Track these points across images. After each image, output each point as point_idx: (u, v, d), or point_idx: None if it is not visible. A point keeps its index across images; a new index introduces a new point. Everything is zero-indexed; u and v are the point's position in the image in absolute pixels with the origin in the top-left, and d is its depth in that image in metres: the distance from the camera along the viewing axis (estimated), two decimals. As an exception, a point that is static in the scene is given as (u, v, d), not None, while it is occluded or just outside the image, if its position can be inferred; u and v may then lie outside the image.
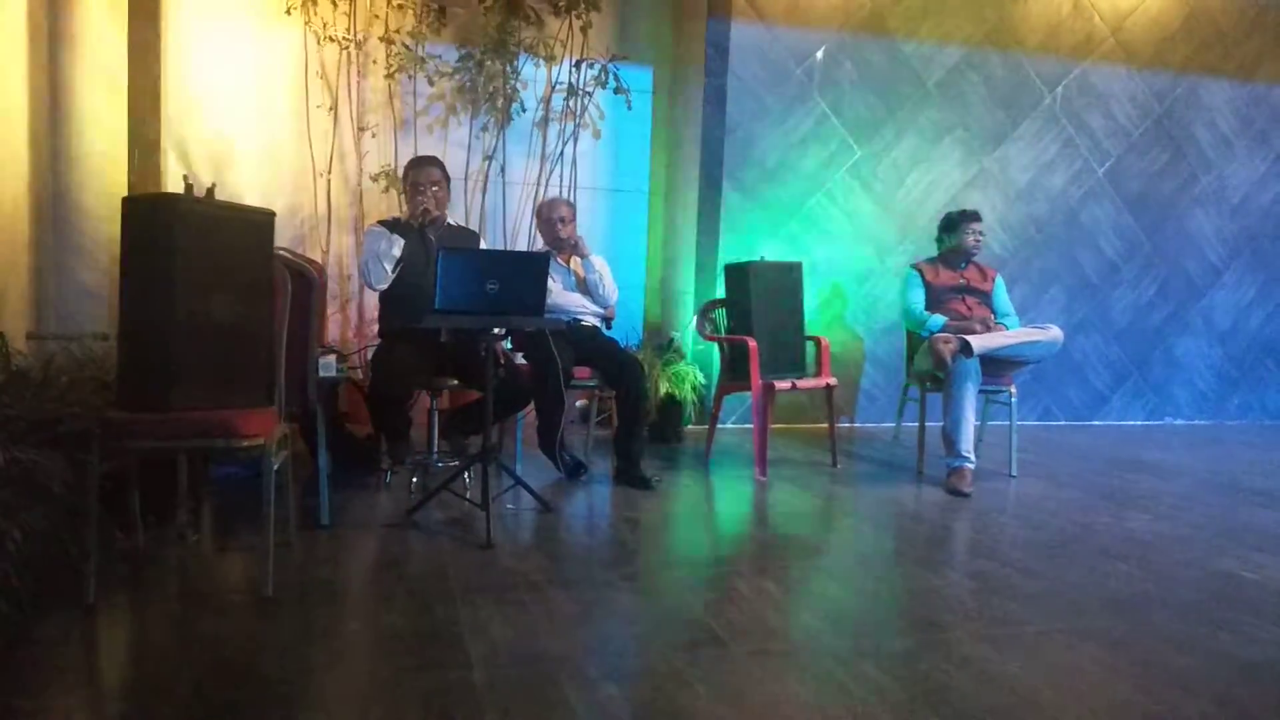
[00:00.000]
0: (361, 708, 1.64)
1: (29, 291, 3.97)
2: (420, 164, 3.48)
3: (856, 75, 5.14)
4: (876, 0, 5.12)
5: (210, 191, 2.28)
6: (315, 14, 4.31)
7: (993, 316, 3.99)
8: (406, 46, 4.46)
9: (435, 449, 3.59)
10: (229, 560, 2.51)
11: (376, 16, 4.42)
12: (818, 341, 4.21)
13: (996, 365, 3.80)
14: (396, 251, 3.30)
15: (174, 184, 4.21)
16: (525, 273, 2.88)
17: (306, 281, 2.66)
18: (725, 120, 4.90)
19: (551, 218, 3.79)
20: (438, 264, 2.75)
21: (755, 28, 4.93)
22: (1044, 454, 4.62)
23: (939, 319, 3.90)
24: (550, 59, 4.72)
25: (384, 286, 3.34)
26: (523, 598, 2.24)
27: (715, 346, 4.41)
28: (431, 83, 4.56)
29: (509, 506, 3.14)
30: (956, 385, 3.65)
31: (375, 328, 3.82)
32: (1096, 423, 5.88)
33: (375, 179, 4.52)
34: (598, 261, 3.81)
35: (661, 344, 4.95)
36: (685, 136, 5.05)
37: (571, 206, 3.90)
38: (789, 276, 4.18)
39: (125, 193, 4.02)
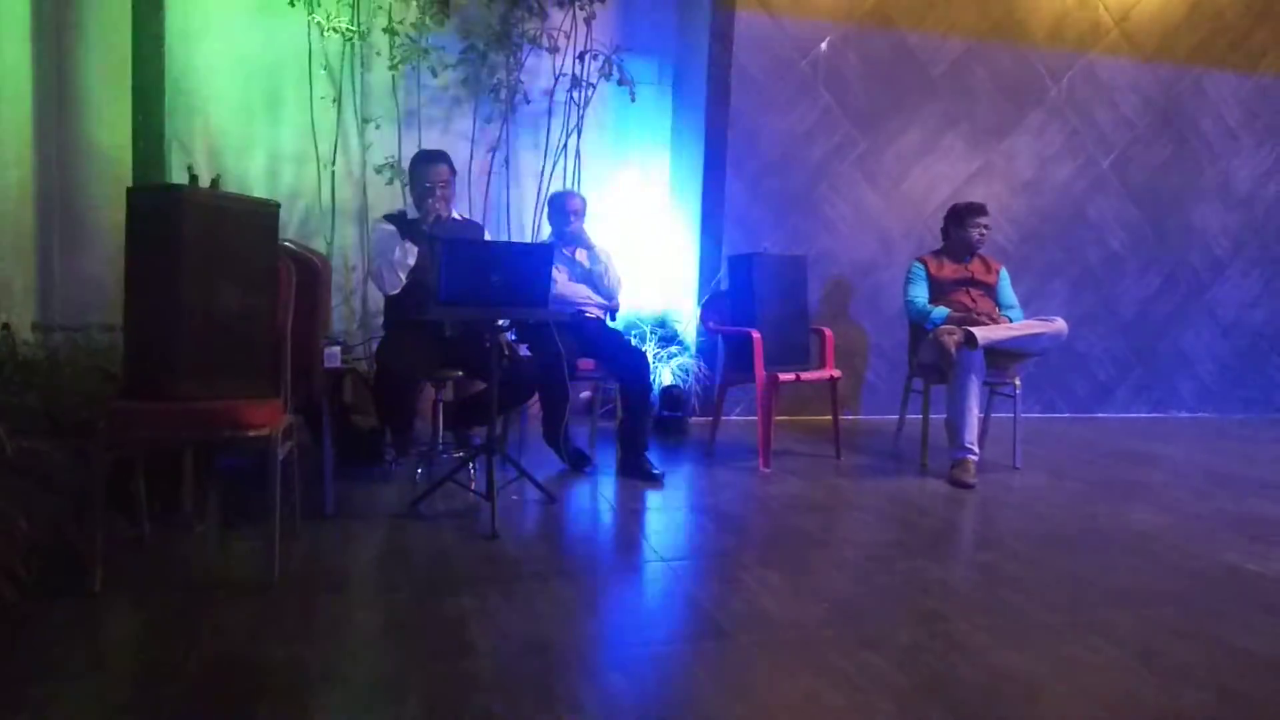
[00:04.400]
0: (366, 698, 1.65)
1: (35, 282, 3.99)
2: (428, 160, 3.43)
3: (861, 67, 5.12)
4: (881, -9, 5.11)
5: (215, 182, 2.29)
6: (319, 5, 4.30)
7: (997, 309, 3.99)
8: (410, 38, 4.45)
9: (440, 440, 3.60)
10: (234, 550, 2.52)
11: (380, 8, 4.41)
12: (822, 334, 4.21)
13: (1000, 357, 3.80)
14: (411, 260, 3.29)
15: (179, 175, 4.22)
16: (529, 264, 2.87)
17: (311, 272, 2.67)
18: (729, 112, 4.89)
19: (566, 209, 3.78)
20: (441, 255, 2.74)
21: (759, 19, 4.92)
22: (1047, 446, 4.62)
23: (942, 311, 3.89)
24: (554, 51, 4.70)
25: (396, 292, 3.34)
26: (527, 588, 2.25)
27: (719, 338, 4.41)
28: (435, 74, 4.56)
29: (514, 497, 3.14)
30: (960, 377, 3.65)
31: (380, 319, 3.82)
32: (1100, 415, 5.88)
33: (379, 170, 4.52)
34: (603, 253, 3.81)
35: (666, 336, 4.95)
36: (689, 128, 5.04)
37: (584, 200, 3.89)
38: (793, 268, 4.18)
39: (130, 184, 4.02)
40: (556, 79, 4.78)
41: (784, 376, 3.81)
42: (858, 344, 5.31)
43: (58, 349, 2.88)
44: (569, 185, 4.79)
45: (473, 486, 3.18)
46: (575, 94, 4.79)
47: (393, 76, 4.50)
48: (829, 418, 4.16)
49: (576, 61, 4.74)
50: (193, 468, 2.76)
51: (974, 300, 3.97)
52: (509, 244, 4.21)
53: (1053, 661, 1.91)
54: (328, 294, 3.26)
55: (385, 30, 4.41)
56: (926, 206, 5.27)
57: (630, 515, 3.06)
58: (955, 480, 3.61)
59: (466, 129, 4.71)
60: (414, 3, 4.41)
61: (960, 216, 4.06)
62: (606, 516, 3.11)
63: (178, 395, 2.15)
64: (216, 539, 2.63)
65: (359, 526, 2.77)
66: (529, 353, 3.55)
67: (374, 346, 3.87)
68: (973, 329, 3.66)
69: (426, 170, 3.39)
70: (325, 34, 4.35)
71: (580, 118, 4.84)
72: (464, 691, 1.67)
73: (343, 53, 4.44)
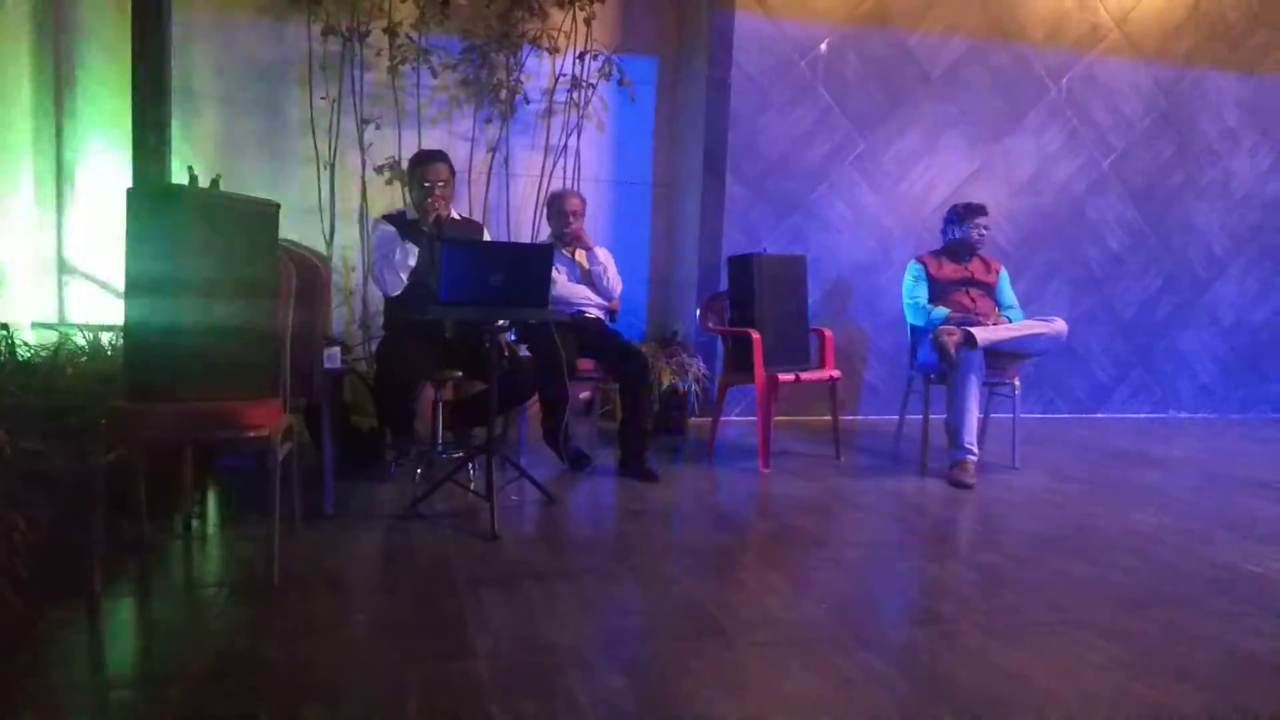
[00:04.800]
0: (366, 698, 1.65)
1: (34, 281, 3.99)
2: (427, 160, 3.43)
3: (860, 67, 5.13)
4: (881, -8, 5.11)
5: (215, 182, 2.28)
6: (319, 5, 4.30)
7: (996, 309, 3.99)
8: (410, 38, 4.45)
9: (440, 440, 3.60)
10: (234, 550, 2.52)
11: (380, 8, 4.41)
12: (821, 334, 4.21)
13: (1000, 358, 3.80)
14: (412, 261, 3.29)
15: (179, 175, 4.22)
16: (529, 265, 2.87)
17: (311, 273, 2.67)
18: (729, 113, 4.89)
19: (564, 209, 3.78)
20: (441, 256, 2.74)
21: (759, 20, 4.92)
22: (1047, 446, 4.62)
23: (942, 311, 3.89)
24: (554, 51, 4.71)
25: (398, 293, 3.34)
26: (527, 588, 2.25)
27: (719, 339, 4.41)
28: (435, 75, 4.56)
29: (513, 498, 3.15)
30: (960, 377, 3.65)
31: (380, 319, 3.82)
32: (1100, 415, 5.88)
33: (379, 171, 4.53)
34: (602, 254, 3.81)
35: (665, 336, 4.96)
36: (689, 129, 5.04)
37: (583, 200, 3.89)
38: (792, 269, 4.18)
39: (130, 183, 4.02)
40: (556, 79, 4.79)
41: (783, 377, 3.81)
42: (857, 344, 5.31)
43: (58, 349, 2.87)
44: (568, 185, 4.80)
45: (472, 487, 3.18)
46: (575, 94, 4.80)
47: (393, 77, 4.50)
48: (829, 418, 4.16)
49: (576, 62, 4.75)
50: (192, 468, 2.76)
51: (974, 300, 3.97)
52: (509, 244, 4.21)
53: (1052, 661, 1.91)
54: (327, 294, 3.27)
55: (385, 30, 4.42)
56: (926, 207, 5.27)
57: (630, 515, 3.06)
58: (955, 480, 3.61)
59: (466, 129, 4.72)
60: (414, 2, 4.41)
61: (960, 217, 4.06)
62: (606, 516, 3.11)
63: (177, 395, 2.15)
64: (216, 539, 2.63)
65: (359, 526, 2.77)
66: (529, 353, 3.55)
67: (374, 347, 3.87)
68: (972, 329, 3.66)
69: (426, 170, 3.39)
70: (325, 33, 4.35)
71: (580, 118, 4.84)
72: (463, 692, 1.67)
73: (343, 53, 4.44)
